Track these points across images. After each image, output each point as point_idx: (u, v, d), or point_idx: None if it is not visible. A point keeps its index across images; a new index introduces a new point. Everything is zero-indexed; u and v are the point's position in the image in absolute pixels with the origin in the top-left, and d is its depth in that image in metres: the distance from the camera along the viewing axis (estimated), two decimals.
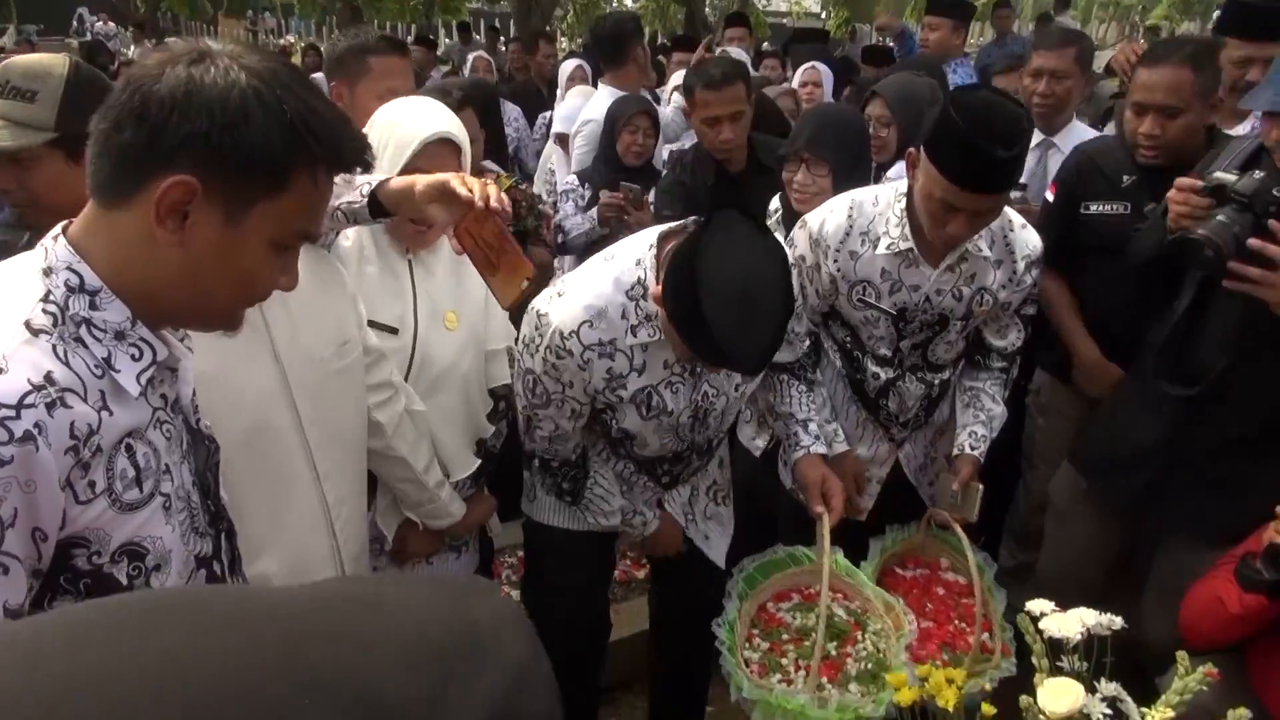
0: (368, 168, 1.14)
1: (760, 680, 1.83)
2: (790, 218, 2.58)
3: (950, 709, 1.44)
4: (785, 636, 1.95)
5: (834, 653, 1.90)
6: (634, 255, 1.73)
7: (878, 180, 2.71)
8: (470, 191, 1.50)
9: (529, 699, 0.44)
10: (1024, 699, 1.45)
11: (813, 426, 2.03)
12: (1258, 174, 1.91)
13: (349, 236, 1.78)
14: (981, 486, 2.16)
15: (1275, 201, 1.88)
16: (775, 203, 2.69)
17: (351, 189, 1.57)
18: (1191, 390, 2.07)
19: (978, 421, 2.17)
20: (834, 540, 2.00)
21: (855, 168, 2.46)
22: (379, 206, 1.56)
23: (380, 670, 0.40)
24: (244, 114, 0.97)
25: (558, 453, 1.90)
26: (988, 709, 1.47)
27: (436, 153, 1.79)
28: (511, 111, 5.03)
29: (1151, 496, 2.25)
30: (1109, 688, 1.50)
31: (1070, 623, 1.52)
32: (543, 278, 3.18)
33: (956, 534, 2.05)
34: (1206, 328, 2.10)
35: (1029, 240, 2.05)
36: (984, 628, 2.04)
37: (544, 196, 3.82)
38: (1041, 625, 1.55)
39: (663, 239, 1.74)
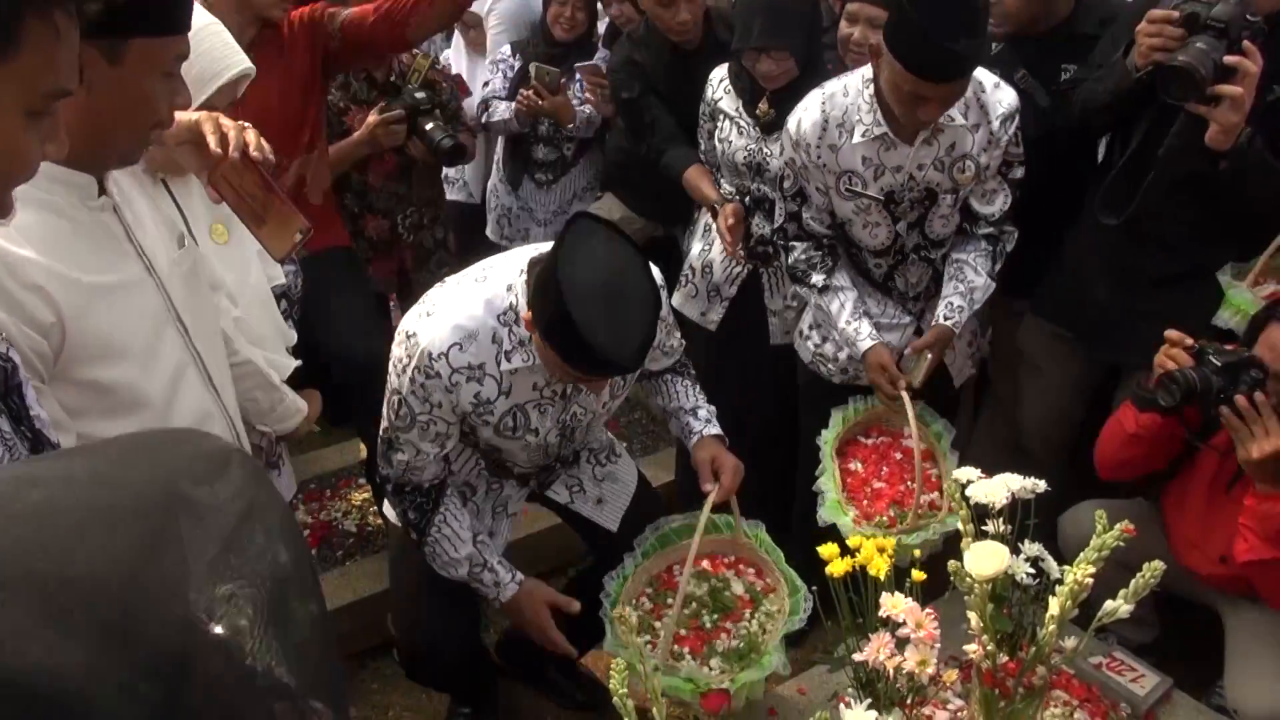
0: None
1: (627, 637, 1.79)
2: (740, 83, 2.48)
3: (881, 577, 1.47)
4: (669, 601, 1.88)
5: (710, 625, 1.84)
6: (505, 279, 1.67)
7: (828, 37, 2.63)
8: (223, 141, 1.36)
9: (263, 546, 0.42)
10: (952, 563, 1.48)
11: (702, 412, 1.98)
12: (1233, 0, 1.93)
13: None
14: (930, 356, 2.19)
15: (1249, 26, 1.91)
16: (721, 71, 2.57)
17: None
18: (1117, 219, 2.12)
19: (956, 293, 2.18)
20: (818, 400, 2.09)
21: (811, 39, 2.39)
22: None
23: (59, 544, 0.37)
24: None
25: (411, 480, 1.79)
26: (918, 575, 1.50)
27: (232, 92, 1.63)
28: None
29: (1103, 331, 2.35)
30: (1032, 548, 1.55)
31: (996, 489, 1.56)
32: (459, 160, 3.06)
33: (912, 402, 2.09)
34: (1144, 169, 2.15)
35: (1003, 99, 2.04)
36: (933, 486, 2.10)
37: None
38: (968, 492, 1.58)
39: (532, 265, 1.67)
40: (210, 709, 0.38)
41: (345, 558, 2.68)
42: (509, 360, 1.64)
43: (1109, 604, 1.51)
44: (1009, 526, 1.58)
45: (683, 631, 1.80)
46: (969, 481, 1.58)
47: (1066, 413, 2.56)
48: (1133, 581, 1.50)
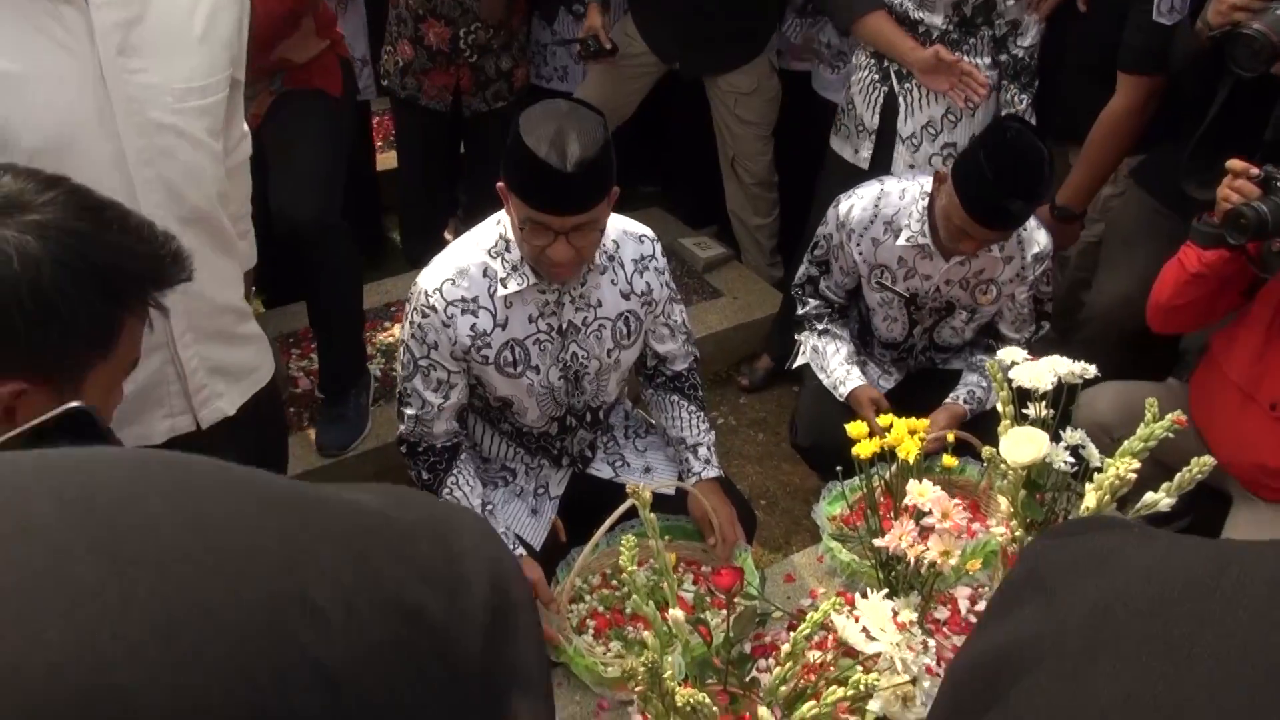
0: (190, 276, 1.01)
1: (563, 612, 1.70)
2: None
3: (911, 461, 1.40)
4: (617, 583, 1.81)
5: (629, 612, 1.74)
6: (491, 219, 1.75)
7: None
8: None
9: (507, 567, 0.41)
10: (987, 450, 1.41)
11: (702, 451, 1.94)
12: None
13: None
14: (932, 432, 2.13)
15: None
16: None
17: None
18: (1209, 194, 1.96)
19: (980, 385, 2.24)
20: None
21: None
22: None
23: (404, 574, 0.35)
24: (54, 298, 0.88)
25: (423, 436, 1.80)
26: (949, 460, 1.43)
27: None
28: None
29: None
30: (1074, 436, 1.47)
31: (1041, 372, 1.46)
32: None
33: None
34: (1234, 134, 1.98)
35: (1039, 239, 2.18)
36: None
37: None
38: (1011, 375, 1.49)
39: None
40: None
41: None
42: (504, 286, 1.70)
43: (1149, 496, 1.44)
44: (1051, 411, 1.49)
45: (601, 609, 1.76)
46: (1012, 363, 1.49)
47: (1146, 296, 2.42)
48: (1178, 475, 1.42)
